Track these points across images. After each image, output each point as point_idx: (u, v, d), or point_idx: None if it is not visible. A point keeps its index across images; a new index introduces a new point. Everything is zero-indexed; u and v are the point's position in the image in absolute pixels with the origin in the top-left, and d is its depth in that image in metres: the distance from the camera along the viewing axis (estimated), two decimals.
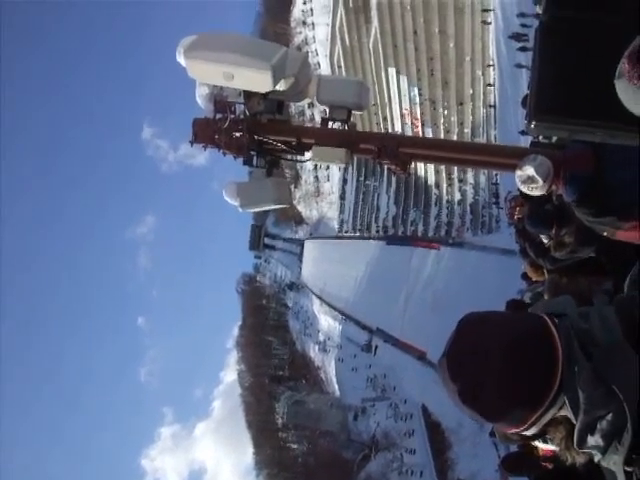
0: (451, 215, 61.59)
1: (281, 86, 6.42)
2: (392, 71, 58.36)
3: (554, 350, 1.57)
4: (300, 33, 79.64)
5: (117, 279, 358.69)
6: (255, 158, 7.12)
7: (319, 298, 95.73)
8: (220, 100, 6.55)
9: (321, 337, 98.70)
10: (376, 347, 77.29)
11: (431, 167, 54.59)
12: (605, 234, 4.77)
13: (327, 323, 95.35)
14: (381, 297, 71.00)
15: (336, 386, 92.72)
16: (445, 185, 60.47)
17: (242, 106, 6.67)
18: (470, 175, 54.24)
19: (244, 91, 6.50)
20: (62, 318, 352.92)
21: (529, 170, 4.85)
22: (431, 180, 61.31)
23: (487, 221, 55.94)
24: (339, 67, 67.34)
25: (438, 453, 57.95)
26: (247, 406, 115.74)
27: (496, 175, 46.68)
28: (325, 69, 70.40)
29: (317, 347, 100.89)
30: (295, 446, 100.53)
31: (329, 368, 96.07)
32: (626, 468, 1.46)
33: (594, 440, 1.48)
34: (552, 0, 3.73)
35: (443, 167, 52.47)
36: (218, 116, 6.57)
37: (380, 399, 76.15)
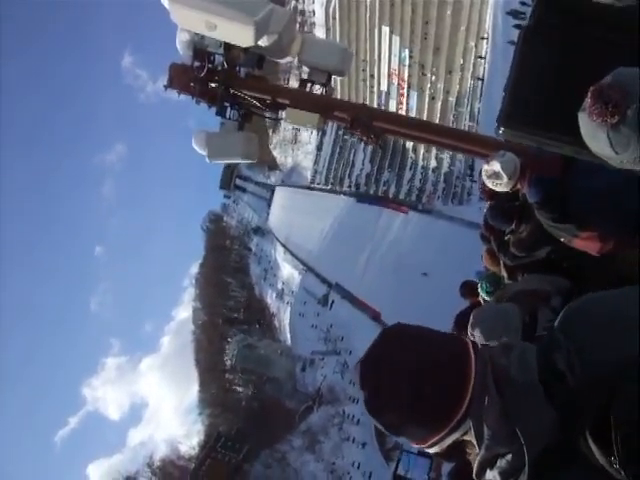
0: (424, 181, 61.75)
1: (263, 42, 6.31)
2: (386, 29, 57.79)
3: (466, 378, 1.58)
4: None
5: (79, 205, 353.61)
6: (229, 110, 7.03)
7: (283, 246, 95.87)
8: (200, 48, 6.43)
9: (280, 285, 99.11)
10: (333, 302, 77.81)
11: None
12: (563, 240, 4.78)
13: (288, 272, 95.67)
14: (344, 253, 71.25)
15: (288, 335, 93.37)
16: (422, 150, 60.48)
17: (221, 57, 6.56)
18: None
19: (225, 43, 6.39)
20: (17, 238, 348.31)
21: (496, 166, 4.85)
22: (409, 143, 61.17)
23: (459, 192, 56.16)
24: (333, 18, 66.49)
25: None
26: (198, 344, 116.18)
27: None
28: (319, 18, 69.53)
29: (275, 294, 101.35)
30: (240, 389, 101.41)
31: (284, 316, 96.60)
32: None
33: (492, 475, 1.51)
34: (541, 5, 3.67)
35: None
36: (196, 64, 6.47)
37: (330, 353, 76.89)
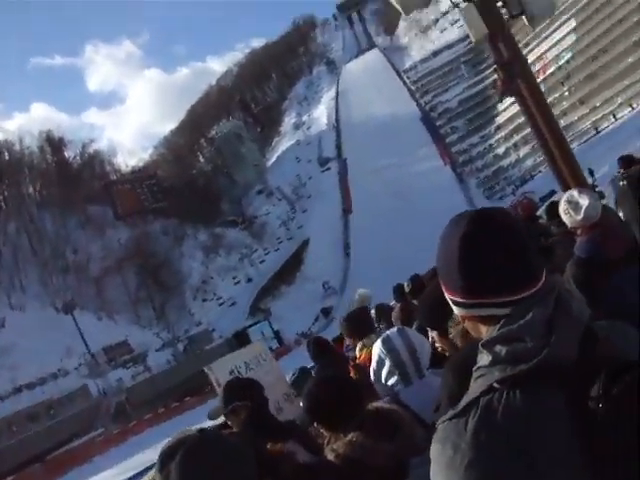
0: (480, 156, 61.73)
1: None
2: (571, 22, 55.65)
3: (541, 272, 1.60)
4: None
5: None
6: None
7: (336, 94, 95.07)
8: None
9: (305, 117, 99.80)
10: (328, 168, 79.45)
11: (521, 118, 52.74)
12: None
13: (319, 115, 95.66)
14: (372, 145, 71.17)
15: (274, 158, 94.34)
16: (508, 132, 60.23)
17: None
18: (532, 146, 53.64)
19: None
20: None
21: (584, 199, 4.70)
22: (510, 114, 60.28)
23: (496, 190, 56.39)
24: None
25: None
26: (205, 97, 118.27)
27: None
28: None
29: (294, 119, 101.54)
30: (202, 162, 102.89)
31: (285, 142, 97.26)
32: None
33: (499, 348, 1.49)
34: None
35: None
36: None
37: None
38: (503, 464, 1.40)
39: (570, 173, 6.27)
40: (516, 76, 6.10)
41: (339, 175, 75.73)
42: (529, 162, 54.71)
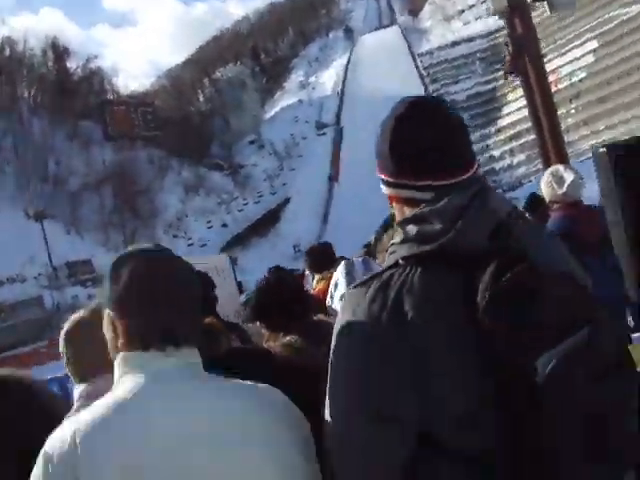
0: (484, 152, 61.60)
1: None
2: (592, 43, 55.48)
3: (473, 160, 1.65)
4: None
5: None
6: None
7: (347, 62, 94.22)
8: None
9: (313, 78, 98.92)
10: (324, 133, 79.37)
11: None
12: None
13: (329, 78, 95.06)
14: (378, 115, 70.54)
15: (273, 112, 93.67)
16: (509, 135, 60.13)
17: None
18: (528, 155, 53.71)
19: None
20: None
21: (569, 175, 4.67)
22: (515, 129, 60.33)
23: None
24: None
25: None
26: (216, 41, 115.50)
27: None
28: None
29: (302, 77, 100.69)
30: (201, 105, 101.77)
31: (283, 97, 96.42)
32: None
33: (410, 228, 1.49)
34: None
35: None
36: None
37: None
38: (389, 332, 1.43)
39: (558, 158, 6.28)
40: (524, 52, 6.11)
41: (333, 142, 75.66)
42: (522, 170, 54.78)
